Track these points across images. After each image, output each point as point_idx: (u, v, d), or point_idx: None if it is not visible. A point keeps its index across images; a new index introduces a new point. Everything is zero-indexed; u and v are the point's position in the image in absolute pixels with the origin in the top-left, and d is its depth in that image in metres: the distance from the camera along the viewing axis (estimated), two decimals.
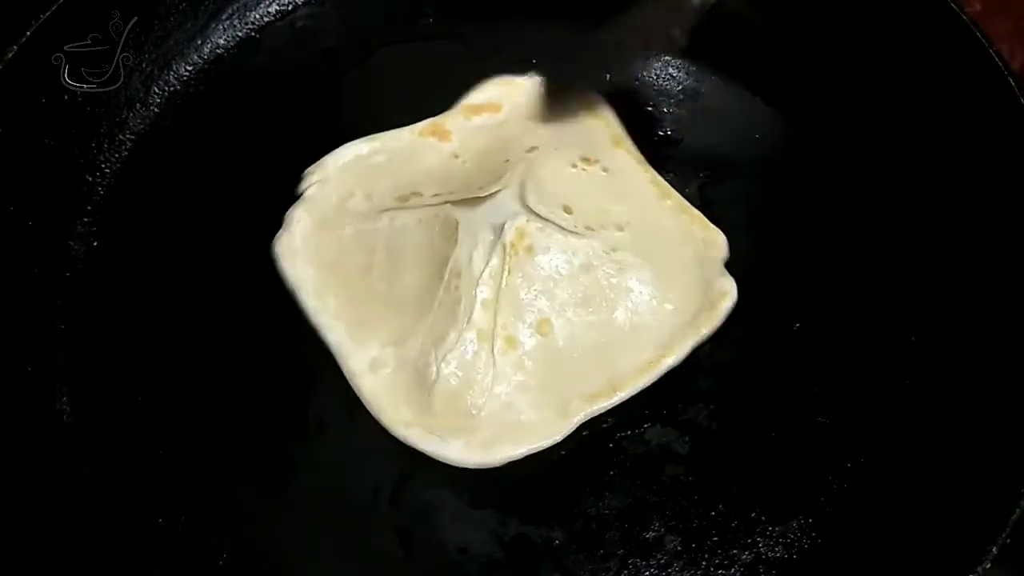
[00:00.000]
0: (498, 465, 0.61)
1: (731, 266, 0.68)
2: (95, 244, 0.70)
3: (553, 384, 0.63)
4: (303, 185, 0.70)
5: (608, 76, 0.76)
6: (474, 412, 0.62)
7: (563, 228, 0.65)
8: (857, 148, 0.74)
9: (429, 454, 0.61)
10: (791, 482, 0.62)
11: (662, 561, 0.59)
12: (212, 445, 0.63)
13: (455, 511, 0.60)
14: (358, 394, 0.63)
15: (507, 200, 0.67)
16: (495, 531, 0.60)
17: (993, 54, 0.66)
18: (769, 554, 0.60)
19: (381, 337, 0.64)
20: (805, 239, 0.70)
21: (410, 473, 0.62)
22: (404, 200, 0.68)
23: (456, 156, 0.72)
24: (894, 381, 0.65)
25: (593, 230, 0.66)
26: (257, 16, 0.80)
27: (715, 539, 0.60)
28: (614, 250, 0.66)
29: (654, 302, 0.66)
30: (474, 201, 0.67)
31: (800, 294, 0.68)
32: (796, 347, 0.66)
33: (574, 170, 0.69)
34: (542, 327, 0.64)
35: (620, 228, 0.68)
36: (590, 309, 0.65)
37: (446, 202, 0.66)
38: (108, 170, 0.72)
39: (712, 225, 0.69)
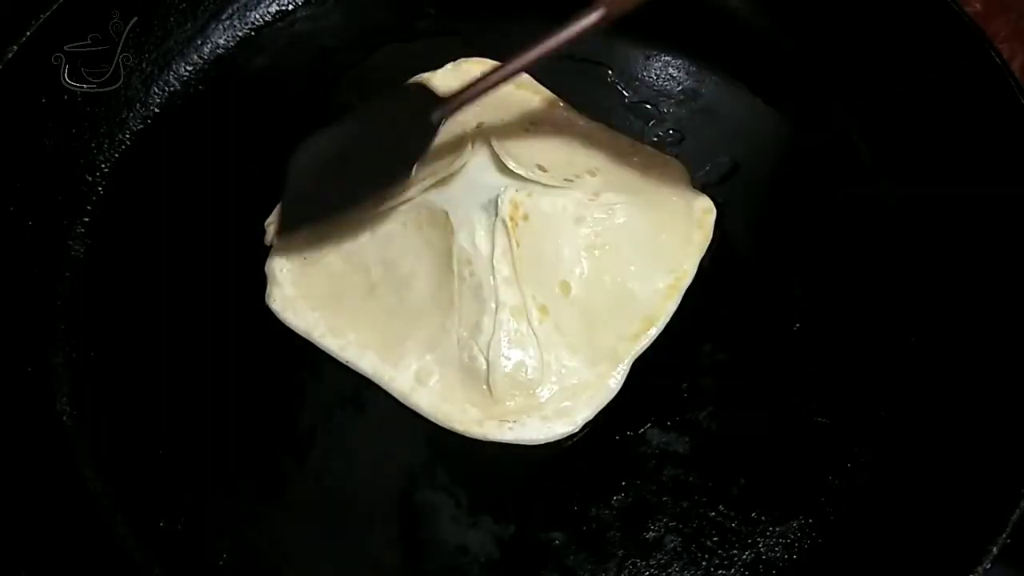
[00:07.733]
0: (578, 430, 0.62)
1: (732, 265, 0.68)
2: (95, 244, 0.70)
3: (595, 337, 0.64)
4: (268, 237, 0.68)
5: (610, 74, 0.77)
6: (535, 387, 0.63)
7: (547, 186, 0.65)
8: (857, 148, 0.74)
9: (511, 442, 0.62)
10: (791, 482, 0.62)
11: (662, 561, 0.59)
12: (212, 446, 0.63)
13: (455, 512, 0.60)
14: (418, 412, 0.63)
15: (484, 172, 0.66)
16: (495, 532, 0.60)
17: (993, 54, 0.66)
18: (769, 554, 0.60)
19: (414, 349, 0.64)
20: (805, 239, 0.70)
21: (410, 474, 0.62)
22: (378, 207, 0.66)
23: None
24: (894, 381, 0.65)
25: (571, 181, 0.67)
26: (257, 16, 0.80)
27: (715, 539, 0.60)
28: (597, 195, 0.67)
29: (649, 232, 0.67)
30: (447, 179, 0.65)
31: (800, 294, 0.68)
32: (796, 347, 0.66)
33: (527, 132, 0.70)
34: (563, 287, 0.65)
35: (592, 174, 0.68)
36: (597, 255, 0.65)
37: (422, 191, 0.65)
38: (108, 170, 0.72)
39: (666, 156, 0.72)
